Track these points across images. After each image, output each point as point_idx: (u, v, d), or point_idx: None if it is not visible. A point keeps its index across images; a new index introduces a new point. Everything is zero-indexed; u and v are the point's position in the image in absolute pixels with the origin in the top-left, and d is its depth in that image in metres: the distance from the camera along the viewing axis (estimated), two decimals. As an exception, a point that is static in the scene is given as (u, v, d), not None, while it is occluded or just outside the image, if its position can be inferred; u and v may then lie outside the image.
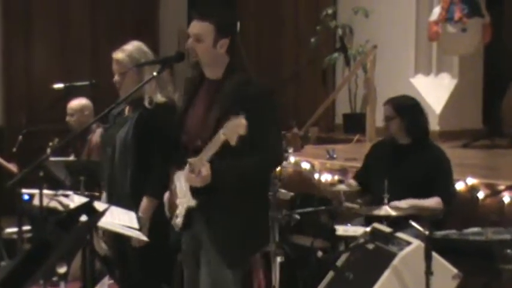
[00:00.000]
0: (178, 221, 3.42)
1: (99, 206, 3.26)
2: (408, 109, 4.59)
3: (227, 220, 3.32)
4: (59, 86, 5.45)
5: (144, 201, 3.72)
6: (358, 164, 5.74)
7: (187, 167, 3.29)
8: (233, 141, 3.08)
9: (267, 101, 3.35)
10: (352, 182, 4.74)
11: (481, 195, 4.91)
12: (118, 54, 3.84)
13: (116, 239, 3.82)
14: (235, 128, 3.06)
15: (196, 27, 3.35)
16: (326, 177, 5.91)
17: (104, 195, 3.99)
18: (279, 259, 4.21)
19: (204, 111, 3.38)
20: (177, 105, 3.71)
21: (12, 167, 6.15)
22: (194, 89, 3.47)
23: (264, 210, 3.52)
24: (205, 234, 3.36)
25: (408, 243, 3.65)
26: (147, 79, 3.58)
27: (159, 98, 3.75)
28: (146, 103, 3.74)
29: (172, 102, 3.77)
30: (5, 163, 6.21)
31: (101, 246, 4.27)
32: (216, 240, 3.33)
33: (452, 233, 3.79)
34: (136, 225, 3.49)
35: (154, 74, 3.44)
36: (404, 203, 4.19)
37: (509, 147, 7.23)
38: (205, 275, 3.37)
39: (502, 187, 4.64)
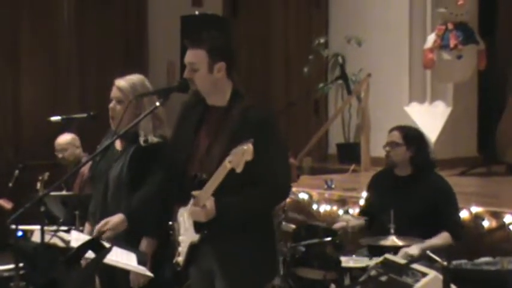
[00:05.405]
0: (180, 259, 3.28)
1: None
2: (416, 140, 4.50)
3: (235, 252, 3.19)
4: (56, 118, 5.24)
5: (144, 242, 3.60)
6: (357, 194, 5.67)
7: (191, 201, 3.17)
8: (239, 169, 2.95)
9: (272, 127, 3.23)
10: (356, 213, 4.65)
11: (486, 223, 4.85)
12: (120, 82, 3.74)
13: (110, 275, 3.66)
14: (242, 154, 2.94)
15: (190, 56, 3.28)
16: (325, 208, 5.84)
17: (86, 227, 3.87)
18: (284, 293, 4.09)
19: (211, 141, 3.26)
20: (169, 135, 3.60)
21: (3, 202, 5.97)
22: (198, 119, 3.33)
23: (270, 241, 3.38)
24: (216, 267, 3.24)
25: (424, 274, 3.54)
26: (144, 113, 3.46)
27: (154, 138, 3.63)
28: (141, 141, 3.63)
29: (166, 140, 3.64)
30: (-5, 199, 6.04)
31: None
32: (227, 273, 3.21)
33: (466, 263, 3.70)
34: (136, 265, 3.37)
35: (157, 104, 3.31)
36: (415, 249, 4.11)
37: (505, 175, 7.20)
38: None
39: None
